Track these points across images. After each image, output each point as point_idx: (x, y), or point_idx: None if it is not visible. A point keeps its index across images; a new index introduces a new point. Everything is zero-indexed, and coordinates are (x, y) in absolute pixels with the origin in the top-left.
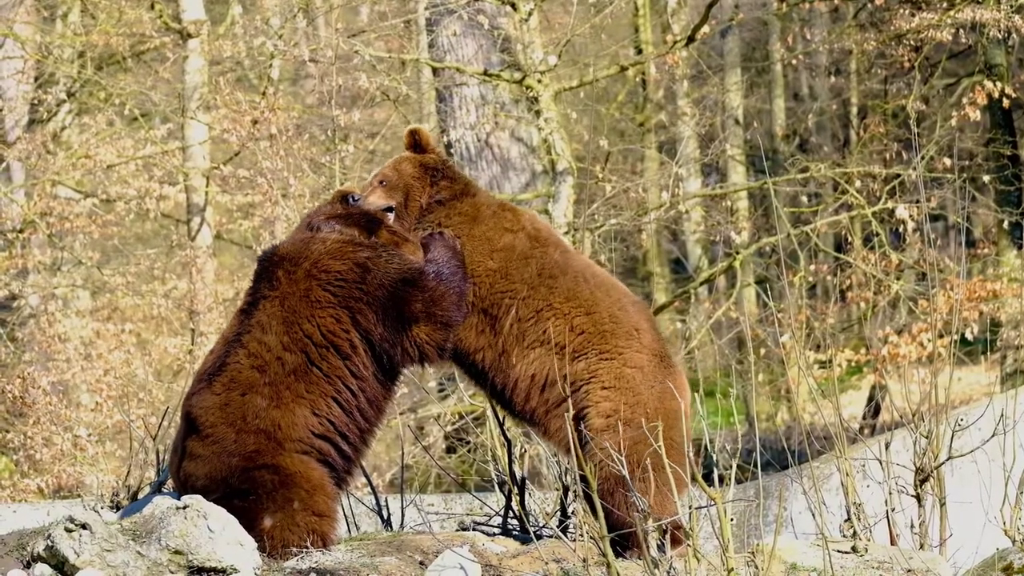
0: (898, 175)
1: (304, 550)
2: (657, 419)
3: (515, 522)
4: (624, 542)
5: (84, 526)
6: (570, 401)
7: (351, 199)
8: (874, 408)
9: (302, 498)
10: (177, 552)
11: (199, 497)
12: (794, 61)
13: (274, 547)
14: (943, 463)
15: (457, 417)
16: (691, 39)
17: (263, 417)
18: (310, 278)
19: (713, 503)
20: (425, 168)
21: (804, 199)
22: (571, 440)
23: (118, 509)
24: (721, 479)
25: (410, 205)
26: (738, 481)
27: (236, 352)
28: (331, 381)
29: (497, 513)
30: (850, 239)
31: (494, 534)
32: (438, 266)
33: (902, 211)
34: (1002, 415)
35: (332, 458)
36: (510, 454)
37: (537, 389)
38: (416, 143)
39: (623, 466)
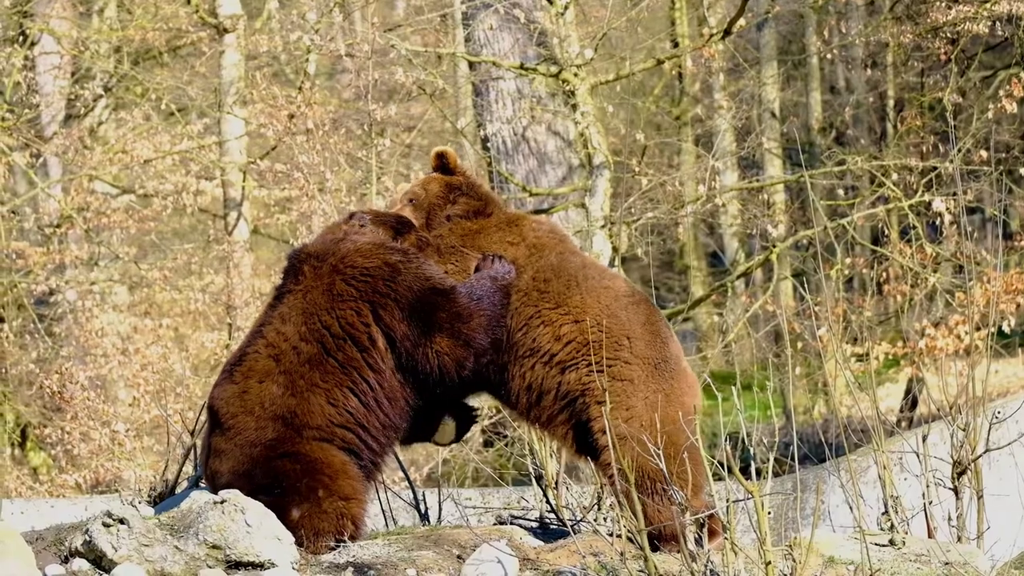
0: (935, 168)
1: (340, 542)
2: (652, 430)
3: (552, 516)
4: (654, 539)
5: (122, 521)
6: (607, 395)
7: (359, 219)
8: (911, 401)
9: (326, 484)
10: (215, 547)
11: (236, 491)
12: (830, 54)
13: (307, 536)
14: (980, 456)
15: (494, 411)
16: (727, 32)
17: (279, 404)
18: (335, 273)
19: (751, 496)
20: (450, 188)
21: (841, 192)
22: (610, 439)
23: (156, 504)
24: (758, 472)
25: (432, 223)
26: (775, 474)
27: (256, 342)
28: (347, 372)
29: (535, 507)
30: (887, 232)
31: (531, 528)
32: (472, 287)
33: (939, 204)
34: None
35: (356, 447)
36: (547, 448)
37: (535, 398)
38: (444, 165)
39: (660, 459)
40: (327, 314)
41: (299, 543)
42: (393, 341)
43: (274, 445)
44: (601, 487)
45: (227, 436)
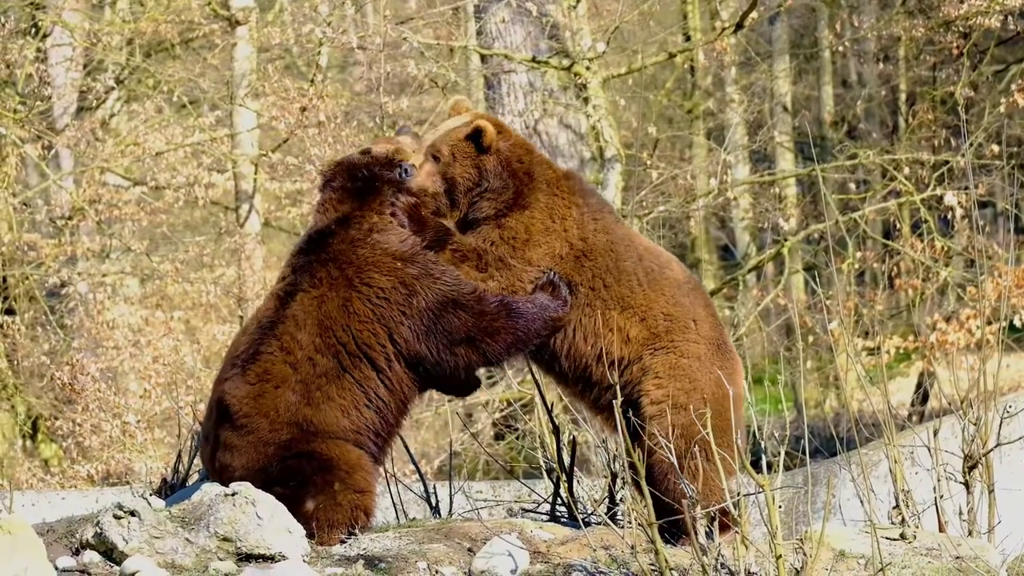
0: (946, 162)
1: (351, 535)
2: (714, 404)
3: (563, 509)
4: (678, 529)
5: (133, 513)
6: (618, 388)
7: (403, 171)
8: (922, 395)
9: (342, 479)
10: (225, 539)
11: (248, 484)
12: (842, 48)
13: (320, 527)
14: (992, 450)
15: (505, 404)
16: (739, 26)
17: (294, 412)
18: (351, 288)
19: (762, 490)
20: (479, 170)
21: (852, 186)
22: (619, 427)
23: (167, 496)
24: (769, 466)
25: (453, 194)
26: (786, 468)
27: (269, 342)
28: (364, 389)
29: (545, 500)
30: (898, 226)
31: (543, 521)
32: (517, 305)
33: (950, 198)
34: None
35: (366, 446)
36: (558, 441)
37: (596, 392)
38: (479, 144)
39: (671, 453)
40: (343, 331)
41: (311, 534)
42: (413, 359)
43: (288, 445)
44: (613, 480)
45: (239, 433)
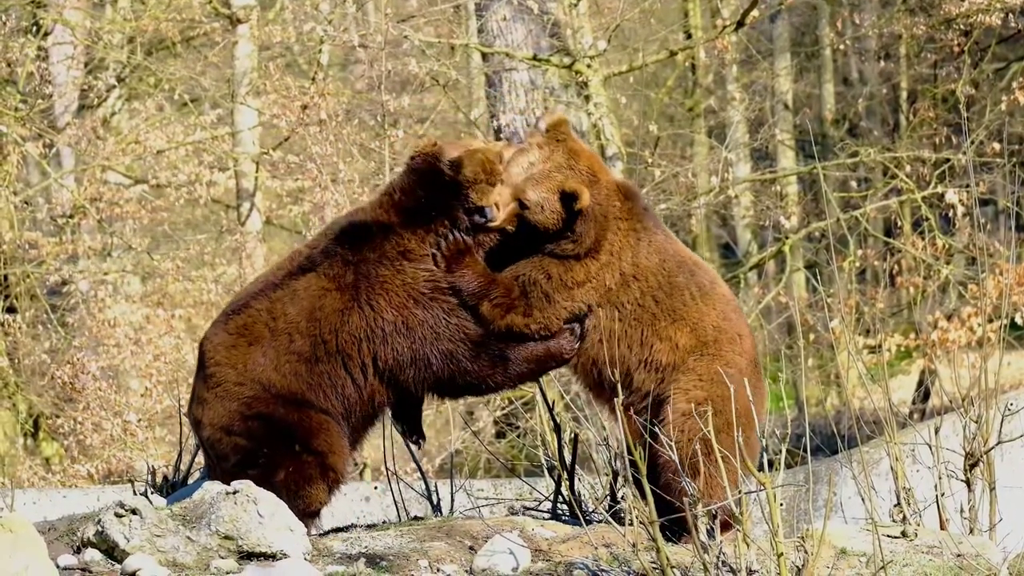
0: (948, 160)
1: (331, 491)
2: (745, 418)
3: (565, 507)
4: (683, 528)
5: (134, 511)
6: (619, 387)
7: (483, 214)
8: (924, 393)
9: (303, 440)
10: (227, 537)
11: (248, 482)
12: (843, 46)
13: (299, 487)
14: (993, 448)
15: (507, 402)
16: (740, 24)
17: (259, 372)
18: (355, 300)
19: (763, 488)
20: (565, 222)
21: (853, 184)
22: (620, 424)
23: (168, 494)
24: (771, 464)
25: (532, 236)
26: (788, 466)
27: (260, 300)
28: (331, 381)
29: (547, 498)
30: (900, 224)
31: (544, 519)
32: (520, 354)
33: (952, 196)
34: None
35: (334, 420)
36: (559, 439)
37: (625, 396)
38: (570, 207)
39: (693, 452)
40: (330, 332)
41: (290, 501)
42: (394, 382)
43: (250, 403)
44: (615, 478)
45: (208, 385)
